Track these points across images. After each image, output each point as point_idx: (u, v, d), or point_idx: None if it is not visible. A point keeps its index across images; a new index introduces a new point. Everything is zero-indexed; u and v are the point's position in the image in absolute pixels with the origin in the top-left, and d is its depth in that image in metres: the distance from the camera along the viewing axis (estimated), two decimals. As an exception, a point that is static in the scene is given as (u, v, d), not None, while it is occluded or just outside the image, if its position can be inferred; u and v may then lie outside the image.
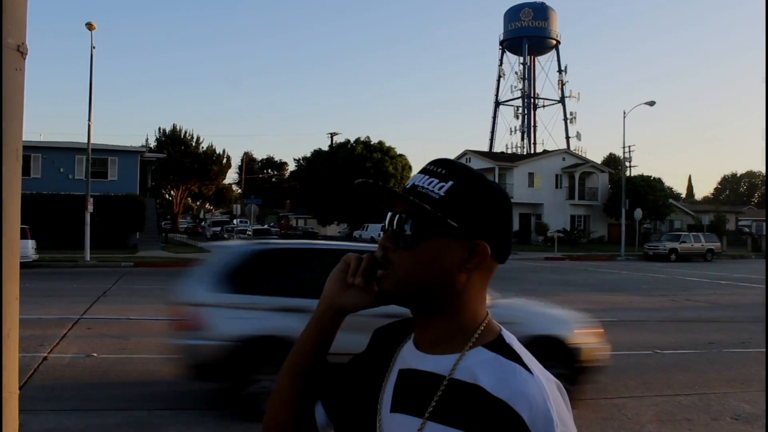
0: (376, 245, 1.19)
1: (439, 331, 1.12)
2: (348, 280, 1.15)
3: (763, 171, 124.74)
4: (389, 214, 1.15)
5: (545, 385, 1.03)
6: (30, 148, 36.24)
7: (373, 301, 1.16)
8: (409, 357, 1.15)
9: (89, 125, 27.19)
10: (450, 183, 1.09)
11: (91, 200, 27.09)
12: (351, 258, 1.18)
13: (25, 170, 35.46)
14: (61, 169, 36.67)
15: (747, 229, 67.37)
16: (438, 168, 1.12)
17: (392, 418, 1.10)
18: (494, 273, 1.15)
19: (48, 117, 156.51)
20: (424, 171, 1.14)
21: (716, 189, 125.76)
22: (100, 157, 36.33)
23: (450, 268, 1.09)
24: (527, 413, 0.98)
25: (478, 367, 1.06)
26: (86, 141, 27.45)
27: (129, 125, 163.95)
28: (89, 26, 26.35)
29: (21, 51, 1.56)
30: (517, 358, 1.06)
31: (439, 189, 1.09)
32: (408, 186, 1.13)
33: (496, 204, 1.12)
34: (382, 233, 1.17)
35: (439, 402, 1.05)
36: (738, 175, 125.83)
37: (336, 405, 1.24)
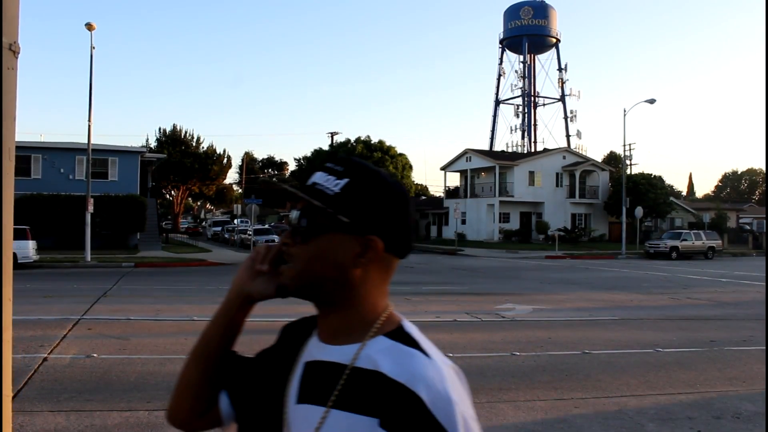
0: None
1: (339, 323, 1.16)
2: (256, 267, 1.21)
3: (764, 168, 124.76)
4: (293, 209, 1.20)
5: (443, 368, 1.08)
6: (30, 149, 36.28)
7: (277, 288, 1.20)
8: (314, 349, 1.19)
9: (89, 126, 27.21)
10: (345, 180, 1.13)
11: (91, 201, 27.10)
12: (261, 248, 1.23)
13: (26, 171, 35.52)
14: (62, 170, 36.67)
15: (748, 227, 67.32)
16: (336, 165, 1.17)
17: (297, 409, 1.14)
18: (395, 267, 1.20)
19: (48, 118, 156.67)
20: (324, 169, 1.18)
21: (717, 186, 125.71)
22: (100, 158, 36.33)
23: (344, 263, 1.13)
24: (426, 394, 1.02)
25: (378, 354, 1.10)
26: (86, 141, 27.46)
27: (129, 125, 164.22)
28: (89, 27, 26.35)
29: (13, 50, 1.55)
30: (415, 345, 1.12)
31: (335, 186, 1.13)
32: (308, 183, 1.18)
33: (390, 200, 1.15)
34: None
35: (342, 390, 1.09)
36: (739, 173, 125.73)
37: (242, 396, 1.27)
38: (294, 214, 1.18)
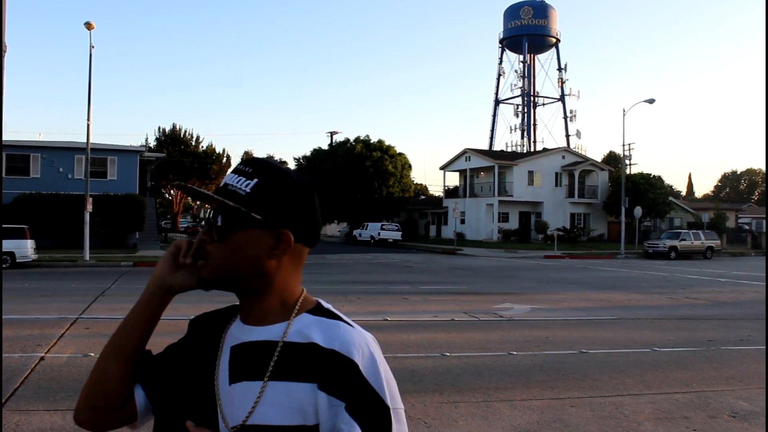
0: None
1: (262, 308, 1.27)
2: (180, 260, 1.27)
3: (764, 168, 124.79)
4: (207, 210, 1.30)
5: (366, 335, 1.24)
6: (29, 148, 36.28)
7: (197, 281, 1.27)
8: (238, 333, 1.28)
9: (88, 125, 27.22)
10: (255, 180, 1.24)
11: (90, 200, 27.10)
12: (182, 242, 1.30)
13: (25, 170, 35.52)
14: (61, 169, 36.66)
15: (747, 227, 67.33)
16: (246, 167, 1.27)
17: (233, 389, 1.22)
18: (305, 255, 1.32)
19: (47, 117, 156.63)
20: (235, 170, 1.28)
21: (716, 186, 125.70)
22: (99, 157, 36.31)
23: (258, 255, 1.24)
24: (359, 357, 1.18)
25: (307, 328, 1.23)
26: (85, 141, 27.46)
27: (128, 125, 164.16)
28: (88, 26, 26.37)
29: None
30: (338, 318, 1.26)
31: (246, 186, 1.24)
32: (222, 185, 1.27)
33: (297, 196, 1.26)
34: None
35: (277, 363, 1.21)
36: (738, 173, 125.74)
37: (159, 388, 1.32)
38: (209, 213, 1.27)
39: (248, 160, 1.28)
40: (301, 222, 1.27)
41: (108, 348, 1.30)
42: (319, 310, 1.28)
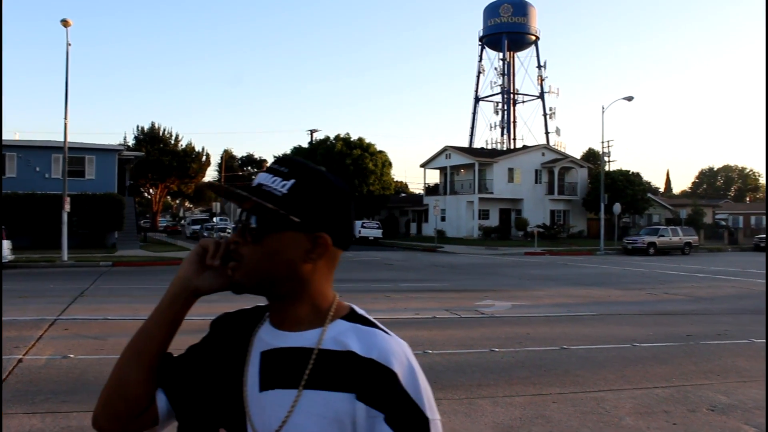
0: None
1: (295, 313, 1.23)
2: (207, 261, 1.22)
3: (740, 165, 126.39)
4: (239, 210, 1.25)
5: (403, 343, 1.21)
6: (5, 147, 35.76)
7: (225, 283, 1.22)
8: (269, 338, 1.24)
9: (65, 123, 26.94)
10: (292, 181, 1.19)
11: (68, 199, 26.78)
12: (208, 242, 1.24)
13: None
14: (38, 168, 36.21)
15: (724, 223, 68.16)
16: (281, 167, 1.22)
17: (264, 396, 1.18)
18: (338, 259, 1.28)
19: (24, 116, 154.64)
20: (268, 170, 1.23)
21: (694, 183, 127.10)
22: (77, 156, 35.93)
23: (295, 259, 1.20)
24: (398, 367, 1.14)
25: (343, 336, 1.19)
26: (63, 139, 27.16)
27: (107, 124, 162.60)
28: (64, 23, 26.05)
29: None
30: (373, 325, 1.23)
31: (282, 187, 1.19)
32: (254, 184, 1.22)
33: (335, 198, 1.23)
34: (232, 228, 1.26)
35: (313, 371, 1.16)
36: (715, 169, 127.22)
37: (182, 393, 1.27)
38: (242, 215, 1.22)
39: (283, 158, 1.24)
40: (338, 225, 1.23)
41: (128, 351, 1.25)
42: (353, 316, 1.24)
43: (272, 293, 1.23)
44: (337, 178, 1.26)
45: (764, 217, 73.54)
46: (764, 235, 47.85)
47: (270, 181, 1.20)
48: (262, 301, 1.31)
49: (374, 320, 1.25)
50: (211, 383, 1.24)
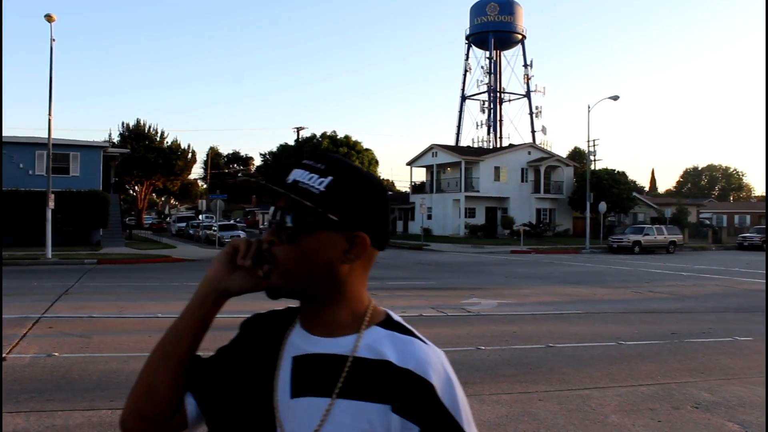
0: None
1: (330, 317, 1.19)
2: (238, 261, 1.17)
3: (724, 164, 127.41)
4: (272, 208, 1.19)
5: (440, 353, 1.17)
6: (-12, 144, 35.43)
7: (258, 284, 1.17)
8: (301, 343, 1.20)
9: (49, 119, 26.67)
10: (330, 178, 1.15)
11: (52, 196, 26.57)
12: (239, 242, 1.19)
13: (-17, 166, 34.68)
14: (21, 165, 35.83)
15: (708, 222, 68.71)
16: (318, 163, 1.17)
17: (295, 403, 1.14)
18: (374, 259, 1.23)
19: (6, 111, 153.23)
20: (304, 166, 1.18)
21: (678, 182, 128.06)
22: (61, 152, 35.63)
23: (332, 260, 1.15)
24: (436, 379, 1.11)
25: (379, 344, 1.15)
26: (47, 136, 26.92)
27: (91, 120, 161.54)
28: (48, 18, 25.82)
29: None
30: (410, 333, 1.19)
31: (319, 184, 1.14)
32: (289, 181, 1.18)
33: (373, 196, 1.18)
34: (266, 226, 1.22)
35: (347, 380, 1.12)
36: (699, 169, 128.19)
37: (211, 397, 1.23)
38: (276, 213, 1.17)
39: (319, 155, 1.20)
40: (376, 224, 1.18)
41: (156, 354, 1.21)
42: (389, 323, 1.20)
43: (307, 296, 1.18)
44: (373, 175, 1.22)
45: (748, 216, 74.23)
46: (748, 234, 48.29)
47: (306, 178, 1.16)
48: (294, 302, 1.26)
49: (411, 327, 1.21)
50: (241, 387, 1.21)
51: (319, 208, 1.12)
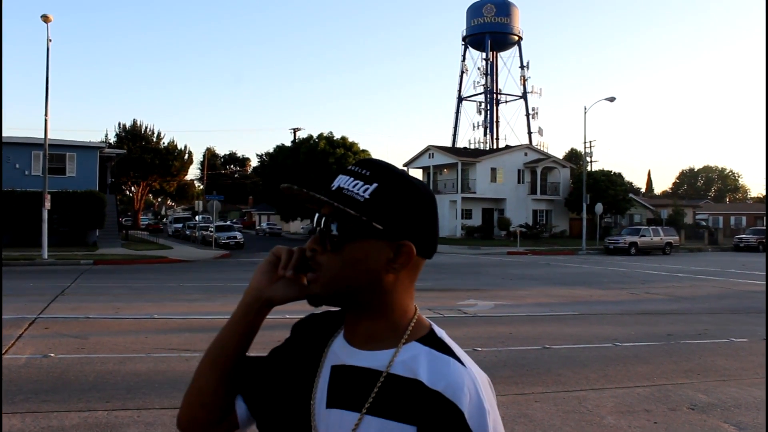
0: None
1: (371, 328, 1.16)
2: (279, 272, 1.16)
3: (720, 166, 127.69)
4: (317, 215, 1.17)
5: (477, 377, 1.10)
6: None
7: (301, 293, 1.17)
8: (341, 353, 1.18)
9: (46, 120, 26.67)
10: (375, 185, 1.11)
11: (48, 197, 26.53)
12: (281, 250, 1.19)
13: (-21, 166, 34.59)
14: (17, 165, 35.76)
15: (704, 223, 68.83)
16: (362, 170, 1.14)
17: (329, 414, 1.13)
18: (421, 268, 1.20)
19: (3, 111, 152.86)
20: (348, 172, 1.15)
21: (675, 183, 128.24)
22: (57, 153, 35.59)
23: (377, 269, 1.12)
24: (466, 405, 1.04)
25: (414, 361, 1.11)
26: (43, 136, 26.89)
27: (88, 120, 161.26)
28: (45, 18, 25.81)
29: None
30: (449, 352, 1.13)
31: (364, 191, 1.11)
32: (333, 188, 1.15)
33: (420, 204, 1.14)
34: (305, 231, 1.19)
35: (378, 396, 1.09)
36: (696, 170, 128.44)
37: (259, 400, 1.24)
38: (320, 220, 1.16)
39: (364, 161, 1.16)
40: (422, 232, 1.15)
41: (204, 361, 1.23)
42: (430, 339, 1.15)
43: (351, 305, 1.16)
44: (420, 182, 1.18)
45: (744, 218, 74.41)
46: (744, 236, 48.40)
47: (351, 185, 1.13)
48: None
49: (453, 345, 1.16)
50: (284, 391, 1.21)
51: (363, 216, 1.09)
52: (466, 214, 54.50)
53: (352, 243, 1.11)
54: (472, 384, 1.08)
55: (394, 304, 1.16)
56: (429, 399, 1.06)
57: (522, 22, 71.30)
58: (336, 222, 1.12)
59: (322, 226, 1.14)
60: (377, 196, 1.11)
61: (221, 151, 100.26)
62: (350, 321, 1.19)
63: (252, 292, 1.19)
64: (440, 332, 1.19)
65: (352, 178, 1.14)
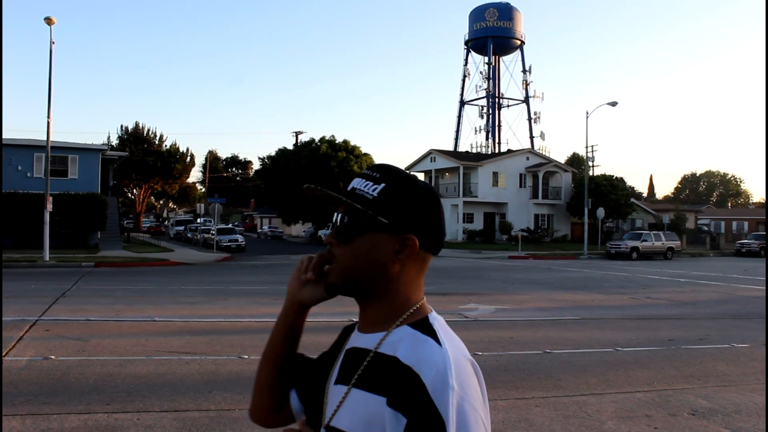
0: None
1: (375, 314, 1.30)
2: (301, 277, 1.36)
3: (722, 171, 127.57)
4: (335, 213, 1.34)
5: (451, 356, 1.17)
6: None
7: (326, 286, 1.33)
8: (353, 338, 1.34)
9: (48, 122, 26.72)
10: (383, 185, 1.27)
11: (50, 199, 26.59)
12: (304, 258, 1.37)
13: (-19, 168, 34.66)
14: (20, 167, 35.84)
15: (706, 228, 68.76)
16: (374, 173, 1.30)
17: (334, 389, 1.29)
18: (428, 263, 1.33)
19: (6, 114, 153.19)
20: (362, 175, 1.31)
21: (676, 188, 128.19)
22: (60, 155, 35.66)
23: (383, 259, 1.26)
24: (428, 377, 1.13)
25: (399, 342, 1.23)
26: (45, 138, 26.93)
27: (90, 123, 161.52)
28: (48, 21, 25.89)
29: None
30: (432, 334, 1.22)
31: (373, 191, 1.26)
32: (349, 189, 1.30)
33: (424, 202, 1.29)
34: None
35: (363, 372, 1.23)
36: (698, 175, 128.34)
37: (306, 392, 1.41)
38: (337, 217, 1.32)
39: (376, 165, 1.31)
40: (426, 228, 1.28)
41: (261, 357, 1.44)
42: (421, 324, 1.25)
43: (361, 292, 1.30)
44: (427, 184, 1.32)
45: (746, 223, 74.30)
46: (746, 241, 48.34)
47: (362, 185, 1.28)
48: None
49: (439, 329, 1.24)
50: (319, 380, 1.36)
51: (370, 211, 1.24)
52: (468, 218, 54.48)
53: (361, 235, 1.26)
54: (442, 361, 1.15)
55: (398, 292, 1.29)
56: (399, 372, 1.17)
57: (524, 26, 71.46)
58: (349, 217, 1.28)
59: (337, 222, 1.30)
60: (384, 194, 1.26)
61: (223, 154, 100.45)
62: (361, 309, 1.33)
63: (288, 297, 1.39)
64: (435, 319, 1.28)
65: (364, 180, 1.29)
